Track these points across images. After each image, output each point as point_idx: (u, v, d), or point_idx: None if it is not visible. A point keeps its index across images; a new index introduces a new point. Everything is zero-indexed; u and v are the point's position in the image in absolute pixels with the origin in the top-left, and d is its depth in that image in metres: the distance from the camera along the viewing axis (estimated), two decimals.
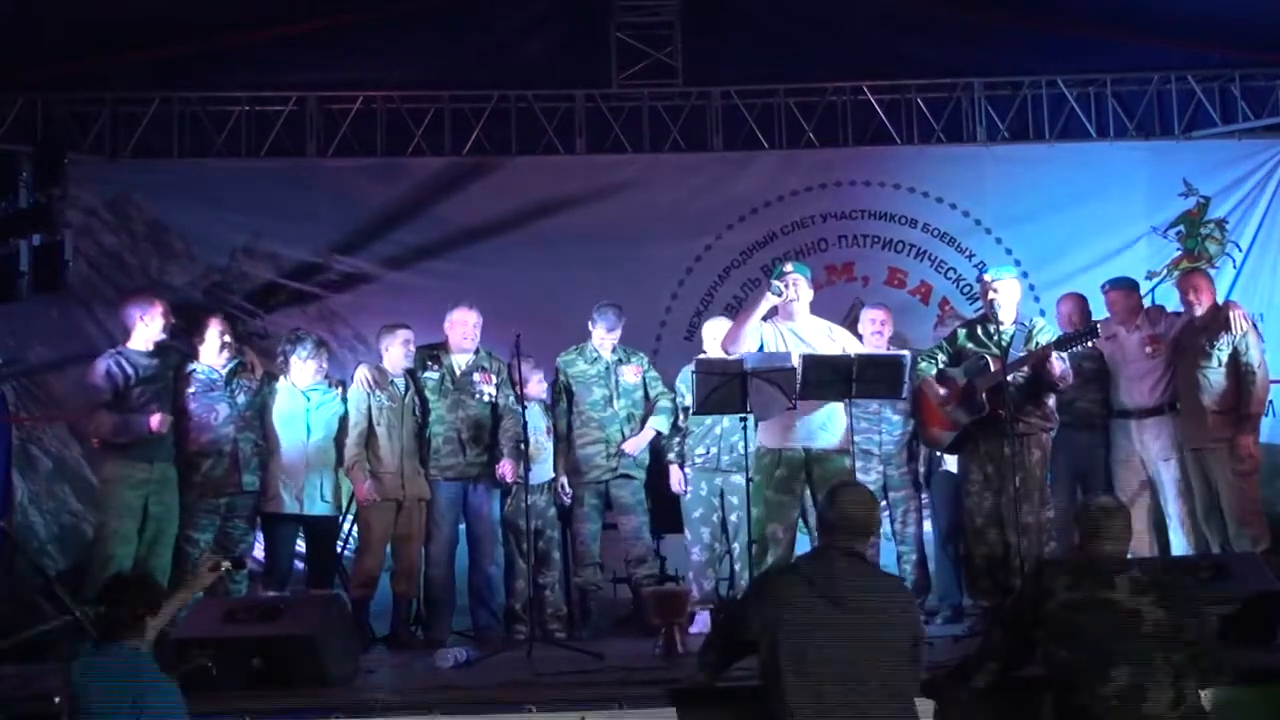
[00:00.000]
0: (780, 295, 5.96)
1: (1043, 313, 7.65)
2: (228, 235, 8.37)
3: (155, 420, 6.19)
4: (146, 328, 6.40)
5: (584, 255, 8.29)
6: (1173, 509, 6.63)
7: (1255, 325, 6.72)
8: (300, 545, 6.85)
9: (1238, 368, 6.48)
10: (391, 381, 6.65)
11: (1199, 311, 6.65)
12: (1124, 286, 6.94)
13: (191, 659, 5.27)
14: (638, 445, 6.85)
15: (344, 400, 6.67)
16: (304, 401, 6.61)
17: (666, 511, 7.00)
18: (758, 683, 3.94)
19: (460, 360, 6.78)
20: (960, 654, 4.50)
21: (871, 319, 6.81)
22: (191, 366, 6.50)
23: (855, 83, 8.70)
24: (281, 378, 6.65)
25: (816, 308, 6.30)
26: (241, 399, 6.52)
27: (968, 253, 8.55)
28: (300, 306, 8.39)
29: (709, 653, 4.19)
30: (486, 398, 6.76)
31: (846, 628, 3.76)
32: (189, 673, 5.01)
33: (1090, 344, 6.08)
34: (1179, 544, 6.60)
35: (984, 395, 5.99)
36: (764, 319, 6.09)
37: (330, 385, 6.73)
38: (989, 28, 8.48)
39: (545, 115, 8.70)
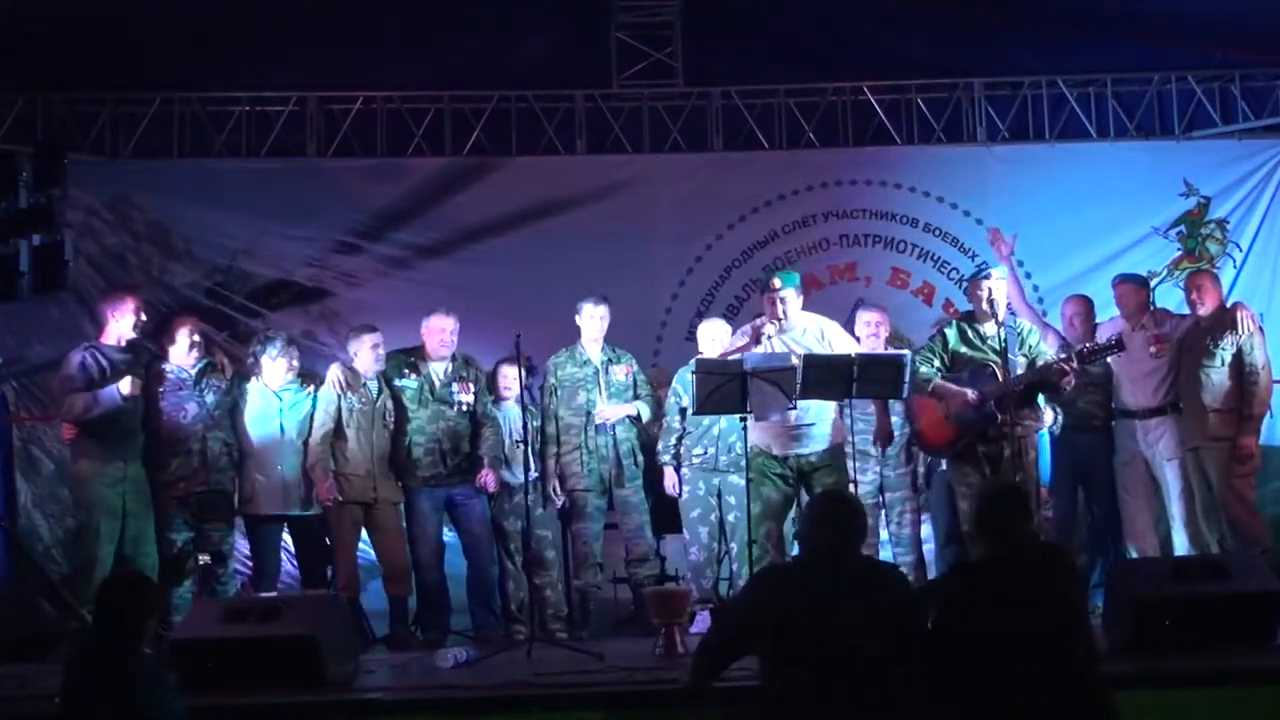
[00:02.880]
0: (777, 324, 6.10)
1: (1045, 313, 7.64)
2: (228, 236, 8.36)
3: (125, 385, 6.19)
4: (117, 324, 6.46)
5: (584, 255, 8.27)
6: (1176, 510, 6.63)
7: (1262, 327, 6.70)
8: (288, 545, 6.87)
9: (1241, 368, 6.47)
10: (364, 384, 6.65)
11: (1203, 311, 6.65)
12: (1134, 281, 6.97)
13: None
14: (613, 413, 6.80)
15: (315, 398, 6.68)
16: (277, 402, 6.63)
17: (666, 512, 6.99)
18: (756, 682, 3.94)
19: (438, 368, 6.78)
20: None
21: (866, 321, 6.82)
22: (161, 366, 6.53)
23: (855, 83, 8.69)
24: (254, 378, 6.66)
25: (819, 307, 6.32)
26: (210, 398, 6.54)
27: (970, 253, 8.52)
28: (301, 306, 8.39)
29: (704, 654, 4.19)
30: (465, 407, 6.75)
31: (841, 625, 3.72)
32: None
33: (1116, 355, 6.14)
34: (1181, 544, 6.60)
35: (994, 404, 5.99)
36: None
37: (303, 384, 6.73)
38: (989, 28, 8.46)
39: (545, 115, 8.69)
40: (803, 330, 6.16)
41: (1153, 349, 6.66)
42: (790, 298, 6.16)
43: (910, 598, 3.97)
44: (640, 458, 6.88)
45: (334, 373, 6.65)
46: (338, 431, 6.56)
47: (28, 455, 7.98)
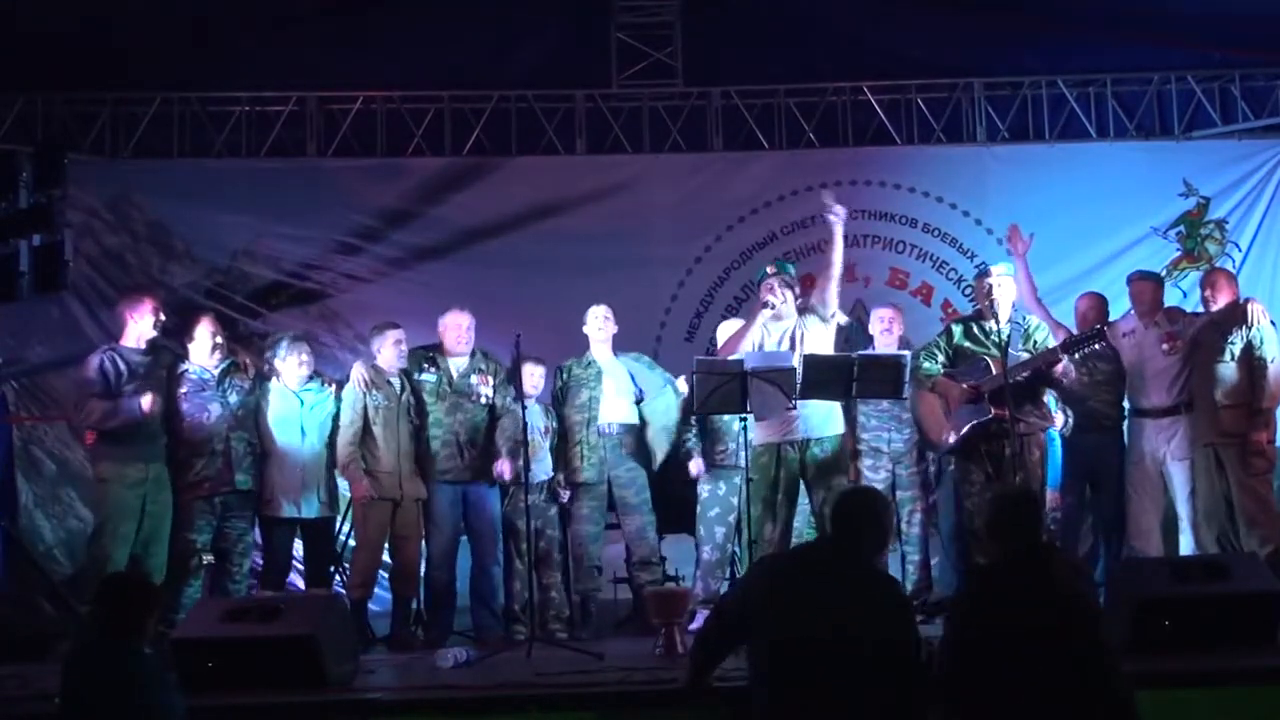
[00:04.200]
0: (774, 308, 6.10)
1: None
2: (228, 236, 8.39)
3: (147, 401, 6.16)
4: (136, 325, 6.42)
5: (584, 255, 8.29)
6: (1184, 510, 6.57)
7: (1274, 321, 6.61)
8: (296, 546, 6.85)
9: (1250, 361, 6.42)
10: (388, 381, 6.64)
11: (1215, 306, 6.63)
12: (1151, 278, 6.93)
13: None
14: (614, 412, 6.78)
15: (337, 399, 6.66)
16: (297, 404, 6.60)
17: (669, 512, 6.98)
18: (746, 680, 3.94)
19: (457, 363, 6.77)
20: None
21: (880, 317, 6.83)
22: (184, 366, 6.50)
23: (855, 83, 8.71)
24: (274, 379, 6.64)
25: None
26: (234, 398, 6.50)
27: (969, 253, 8.54)
28: (301, 307, 8.40)
29: (700, 646, 4.18)
30: (484, 400, 6.75)
31: (830, 626, 3.70)
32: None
33: (1099, 345, 6.09)
34: (1186, 545, 6.58)
35: (988, 397, 5.99)
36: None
37: (323, 384, 6.71)
38: (989, 28, 8.47)
39: (545, 115, 8.70)
40: (791, 322, 6.18)
41: (1165, 347, 6.62)
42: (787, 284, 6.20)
43: (899, 612, 3.92)
44: (640, 456, 6.86)
45: (357, 371, 6.62)
46: (365, 429, 6.53)
47: (28, 455, 7.99)
